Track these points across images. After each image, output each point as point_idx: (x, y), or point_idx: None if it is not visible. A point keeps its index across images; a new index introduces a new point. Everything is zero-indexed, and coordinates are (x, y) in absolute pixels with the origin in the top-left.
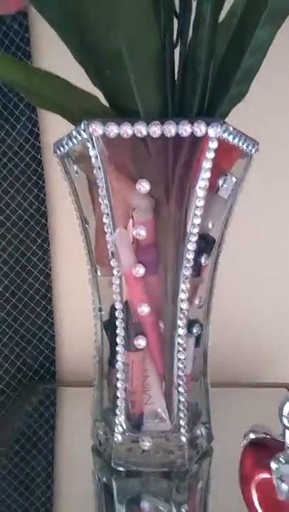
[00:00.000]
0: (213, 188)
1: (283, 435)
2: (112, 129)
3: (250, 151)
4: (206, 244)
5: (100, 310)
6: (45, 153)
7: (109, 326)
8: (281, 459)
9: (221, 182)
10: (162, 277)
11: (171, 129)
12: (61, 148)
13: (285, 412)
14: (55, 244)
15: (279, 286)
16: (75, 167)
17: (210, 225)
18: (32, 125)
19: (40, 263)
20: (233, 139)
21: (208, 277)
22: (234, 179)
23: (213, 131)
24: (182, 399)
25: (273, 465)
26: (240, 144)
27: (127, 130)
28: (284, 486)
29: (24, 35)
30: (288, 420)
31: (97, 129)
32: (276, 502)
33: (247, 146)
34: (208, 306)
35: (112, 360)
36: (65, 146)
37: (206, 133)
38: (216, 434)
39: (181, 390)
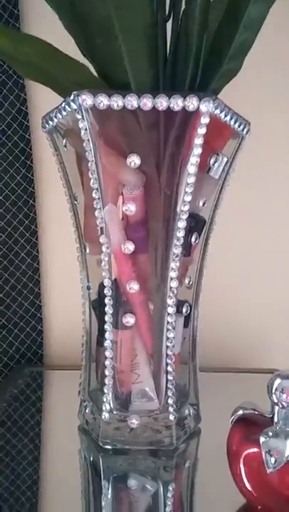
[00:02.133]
0: (204, 168)
1: (272, 411)
2: (102, 101)
3: (242, 131)
4: (197, 223)
5: (89, 288)
6: (34, 133)
7: (97, 305)
8: (269, 432)
9: (212, 161)
10: (152, 255)
11: (162, 102)
12: (50, 122)
13: (273, 388)
14: (43, 225)
15: (269, 271)
16: (64, 141)
17: (200, 204)
18: (20, 104)
19: (27, 244)
20: (225, 116)
21: (197, 257)
22: (225, 159)
23: (205, 106)
24: (170, 378)
25: (262, 439)
26: (232, 123)
27: (117, 102)
28: (272, 459)
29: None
30: (276, 397)
31: (87, 99)
32: (263, 476)
33: (239, 126)
34: (197, 286)
35: (100, 339)
36: (54, 119)
37: (198, 108)
38: (204, 416)
39: (169, 369)
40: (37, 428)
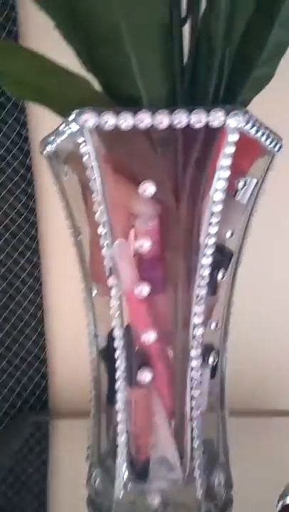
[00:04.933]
0: (230, 192)
1: None
2: (108, 120)
3: (273, 148)
4: (223, 257)
5: (96, 336)
6: (35, 158)
7: (107, 356)
8: None
9: (240, 185)
10: (171, 298)
11: (181, 119)
12: (49, 147)
13: None
14: (47, 259)
15: None
16: (66, 168)
17: (228, 235)
18: (20, 127)
19: (29, 278)
20: (257, 132)
21: (224, 296)
22: (254, 181)
23: (234, 121)
24: (196, 443)
25: None
26: (263, 140)
27: (126, 120)
28: None
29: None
30: None
31: (89, 119)
32: None
33: (270, 142)
34: (224, 328)
35: (110, 397)
36: (53, 142)
37: (225, 123)
38: (235, 475)
39: (195, 432)
40: (41, 497)
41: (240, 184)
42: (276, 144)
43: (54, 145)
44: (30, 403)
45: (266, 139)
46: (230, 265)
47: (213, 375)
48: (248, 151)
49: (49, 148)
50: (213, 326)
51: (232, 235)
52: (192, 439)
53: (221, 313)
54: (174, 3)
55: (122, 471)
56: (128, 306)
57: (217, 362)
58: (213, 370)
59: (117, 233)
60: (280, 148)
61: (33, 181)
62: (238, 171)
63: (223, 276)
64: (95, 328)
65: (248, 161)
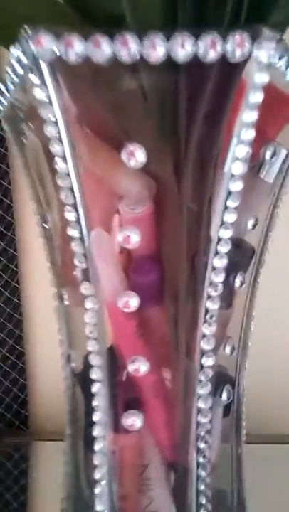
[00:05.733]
0: (252, 164)
1: None
2: (75, 47)
3: None
4: (242, 257)
5: (69, 360)
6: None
7: (82, 388)
8: None
9: (268, 155)
10: (170, 313)
11: (185, 48)
12: (2, 99)
13: None
14: (25, 267)
15: None
16: (25, 129)
17: (249, 226)
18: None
19: (5, 290)
20: None
21: (243, 308)
22: (284, 152)
23: (265, 53)
24: (203, 501)
25: None
26: None
27: (102, 49)
28: None
29: None
30: None
31: (44, 44)
32: None
33: None
34: (242, 351)
35: (89, 441)
36: (7, 91)
37: (250, 55)
38: None
39: (201, 488)
40: None
41: (267, 154)
42: None
43: (8, 95)
44: (9, 423)
45: None
46: (251, 267)
47: (226, 413)
48: (277, 109)
49: (4, 101)
50: (228, 349)
51: (254, 225)
52: (198, 495)
53: (238, 332)
54: None
55: None
56: (111, 322)
57: (233, 397)
58: (227, 407)
59: (93, 221)
60: None
61: (10, 189)
62: (262, 136)
63: (242, 283)
64: (68, 349)
65: (276, 124)
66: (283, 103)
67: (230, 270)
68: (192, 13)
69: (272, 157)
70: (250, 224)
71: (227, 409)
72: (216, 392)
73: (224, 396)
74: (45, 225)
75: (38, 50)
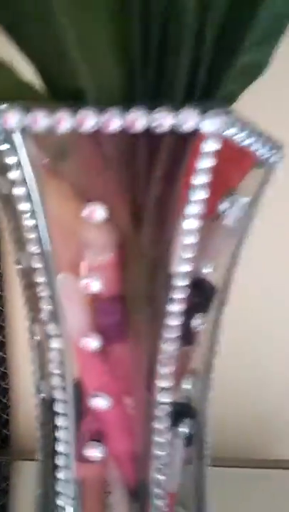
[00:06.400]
0: (212, 214)
1: None
2: (39, 120)
3: (270, 158)
4: (202, 296)
5: (39, 390)
6: None
7: (50, 418)
8: None
9: (224, 206)
10: (132, 352)
11: (138, 121)
12: None
13: None
14: (8, 291)
15: None
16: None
17: (206, 270)
18: None
19: None
20: (245, 138)
21: (205, 343)
22: (244, 200)
23: (212, 125)
24: None
25: None
26: (256, 148)
27: (62, 122)
28: None
29: None
30: None
31: (11, 119)
32: None
33: (265, 151)
34: (205, 383)
35: (53, 469)
36: None
37: (199, 128)
38: None
39: None
40: None
41: (223, 207)
42: (273, 154)
43: None
44: None
45: (259, 147)
46: (212, 305)
47: (189, 443)
48: (236, 162)
49: None
50: (189, 383)
51: (214, 268)
52: None
53: (201, 363)
54: None
55: None
56: (77, 359)
57: (194, 427)
58: (189, 438)
59: (62, 266)
60: (279, 158)
61: None
62: (223, 186)
63: (202, 323)
64: (39, 379)
65: (237, 174)
66: (242, 156)
67: (188, 313)
68: (152, 85)
69: (229, 207)
70: (209, 267)
71: (189, 440)
72: (175, 424)
73: (183, 429)
74: (19, 265)
75: (4, 123)
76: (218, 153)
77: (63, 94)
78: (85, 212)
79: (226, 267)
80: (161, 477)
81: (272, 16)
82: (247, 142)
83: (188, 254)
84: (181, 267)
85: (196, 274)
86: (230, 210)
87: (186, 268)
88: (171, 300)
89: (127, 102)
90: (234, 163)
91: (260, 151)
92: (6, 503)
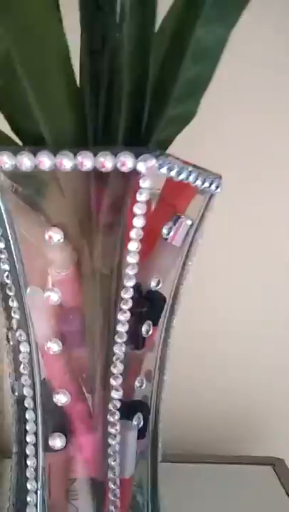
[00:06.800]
0: (157, 236)
1: None
2: (5, 160)
3: (209, 187)
4: (152, 307)
5: (14, 390)
6: None
7: (20, 412)
8: None
9: (167, 227)
10: (89, 354)
11: (84, 162)
12: None
13: None
14: None
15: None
16: None
17: (154, 283)
18: None
19: None
20: (179, 175)
21: (157, 347)
22: (188, 222)
23: (144, 166)
24: (113, 509)
25: None
26: (193, 181)
27: (23, 161)
28: None
29: None
30: None
31: None
32: None
33: (203, 183)
34: (158, 383)
35: (23, 458)
36: None
37: (135, 168)
38: None
39: (112, 498)
40: None
41: (167, 227)
42: (212, 184)
43: None
44: None
45: (195, 181)
46: (162, 314)
47: (142, 435)
48: (180, 190)
49: None
50: (137, 383)
51: (159, 282)
52: (115, 509)
53: (153, 365)
54: (86, 27)
55: None
56: (44, 361)
57: (146, 421)
58: (142, 431)
59: (31, 279)
60: (217, 187)
61: None
62: (171, 210)
63: (149, 330)
64: (14, 381)
65: (183, 200)
66: (185, 186)
67: (138, 320)
68: (102, 130)
69: (172, 228)
70: (155, 282)
71: (142, 433)
72: (128, 418)
73: (135, 422)
74: None
75: None
76: (164, 185)
77: (28, 139)
78: (46, 235)
79: (175, 281)
80: (114, 464)
81: (193, 76)
82: (182, 177)
83: (133, 271)
84: (127, 282)
85: (146, 287)
86: (177, 232)
87: (131, 283)
88: (121, 310)
89: (80, 144)
90: (178, 192)
91: (197, 183)
92: None
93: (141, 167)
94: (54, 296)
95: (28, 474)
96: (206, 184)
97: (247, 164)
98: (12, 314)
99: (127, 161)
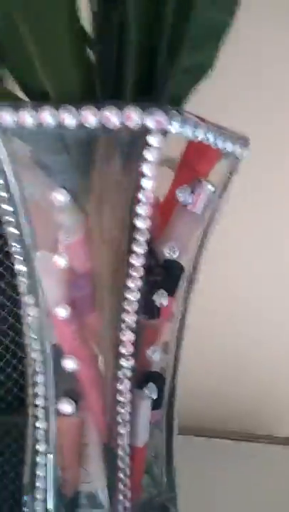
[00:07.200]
0: (177, 200)
1: None
2: (5, 116)
3: (234, 150)
4: (167, 276)
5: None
6: None
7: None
8: None
9: (186, 193)
10: (100, 322)
11: (89, 118)
12: None
13: None
14: None
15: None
16: None
17: (170, 252)
18: None
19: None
20: (193, 132)
21: (175, 318)
22: (210, 188)
23: (152, 120)
24: (122, 476)
25: None
26: (212, 141)
27: (24, 118)
28: None
29: None
30: None
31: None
32: None
33: (227, 144)
34: (175, 353)
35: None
36: None
37: (143, 123)
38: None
39: (121, 465)
40: None
41: (187, 192)
42: (238, 146)
43: None
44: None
45: (216, 141)
46: (180, 283)
47: (157, 406)
48: (201, 154)
49: None
50: (157, 353)
51: (184, 251)
52: (123, 478)
53: (170, 335)
54: None
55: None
56: (55, 326)
57: (162, 392)
58: (157, 401)
59: (42, 244)
60: (244, 150)
61: None
62: (193, 173)
63: (165, 300)
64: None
65: (205, 164)
66: (207, 148)
67: (151, 289)
68: (112, 83)
69: (199, 192)
70: (174, 251)
71: (157, 403)
72: (140, 387)
73: (148, 392)
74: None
75: None
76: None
77: (34, 95)
78: (52, 196)
79: (194, 251)
80: (123, 431)
81: (209, 21)
82: (201, 138)
83: (143, 237)
84: (137, 248)
85: (163, 256)
86: (198, 198)
87: (140, 249)
88: (131, 277)
89: (86, 100)
90: (199, 155)
91: (220, 145)
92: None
93: (149, 122)
94: (62, 261)
95: (38, 436)
96: (228, 145)
97: (269, 135)
98: (21, 278)
99: (132, 115)
